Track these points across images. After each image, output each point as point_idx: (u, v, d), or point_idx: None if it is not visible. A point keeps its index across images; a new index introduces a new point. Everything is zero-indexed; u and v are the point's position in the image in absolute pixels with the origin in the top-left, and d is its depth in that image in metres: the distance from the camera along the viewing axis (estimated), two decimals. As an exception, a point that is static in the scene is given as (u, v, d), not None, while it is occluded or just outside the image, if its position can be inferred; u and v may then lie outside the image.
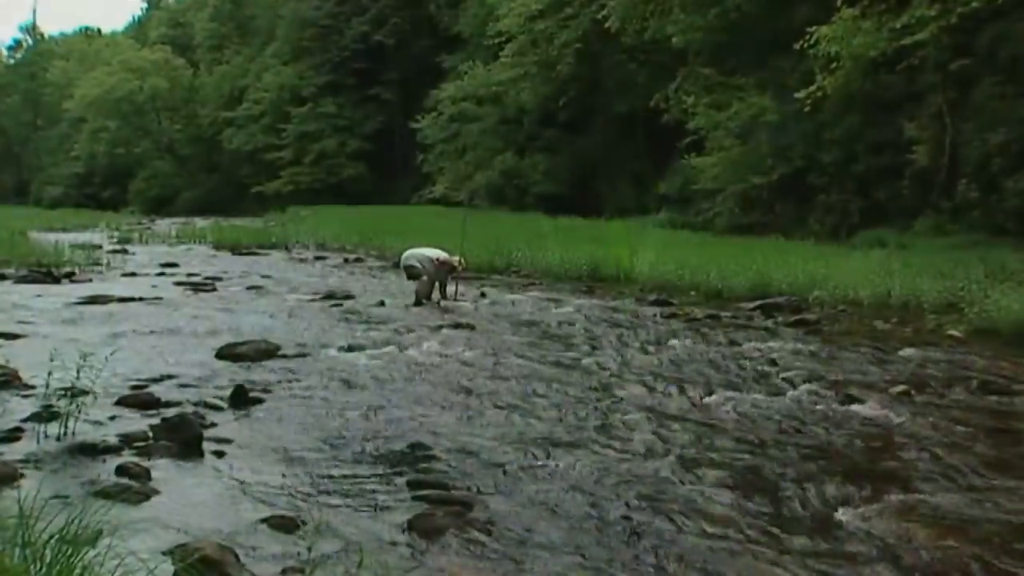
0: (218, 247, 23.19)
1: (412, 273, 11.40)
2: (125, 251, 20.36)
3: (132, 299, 11.25)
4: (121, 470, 4.39)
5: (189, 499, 4.12)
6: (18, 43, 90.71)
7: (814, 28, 18.02)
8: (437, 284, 11.41)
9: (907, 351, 8.00)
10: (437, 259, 11.17)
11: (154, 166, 68.09)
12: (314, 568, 3.29)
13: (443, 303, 11.23)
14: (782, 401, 6.11)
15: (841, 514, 4.02)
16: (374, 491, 4.28)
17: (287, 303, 11.41)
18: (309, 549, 3.30)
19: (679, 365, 7.39)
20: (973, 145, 17.10)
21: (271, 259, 19.73)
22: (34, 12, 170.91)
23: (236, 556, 3.42)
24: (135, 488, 4.14)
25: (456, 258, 11.42)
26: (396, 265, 17.59)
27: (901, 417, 5.66)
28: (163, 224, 34.60)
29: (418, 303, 11.10)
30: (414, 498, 4.17)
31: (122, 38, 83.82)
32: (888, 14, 17.21)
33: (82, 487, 4.16)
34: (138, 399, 5.81)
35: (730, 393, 6.28)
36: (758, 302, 11.31)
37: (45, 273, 14.01)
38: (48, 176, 75.25)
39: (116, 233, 27.70)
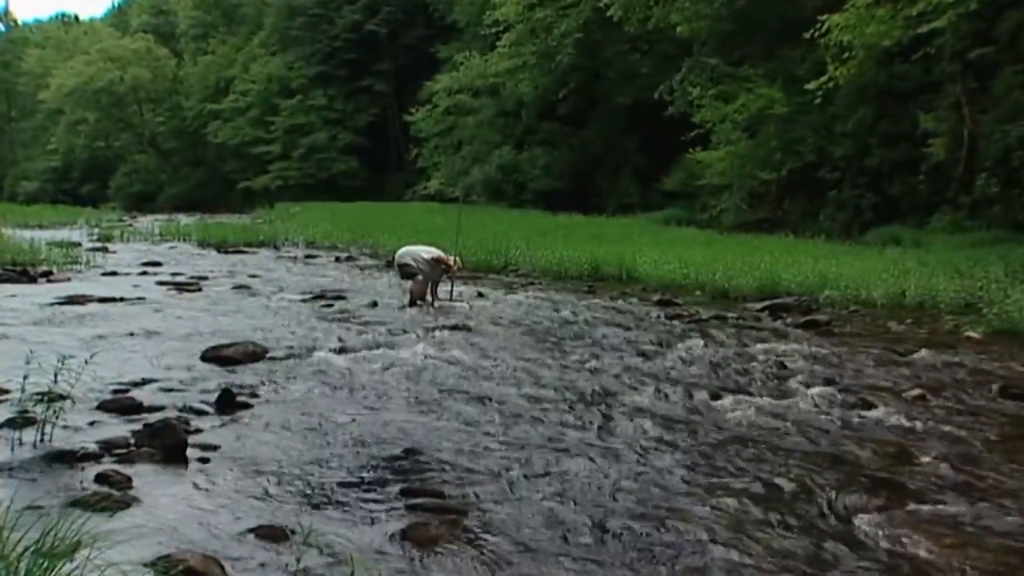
0: (203, 245, 23.17)
1: (406, 272, 11.39)
2: (105, 249, 20.32)
3: (113, 299, 11.23)
4: (101, 478, 4.37)
5: (173, 508, 4.11)
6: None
7: (825, 16, 18.05)
8: (432, 284, 11.42)
9: (923, 353, 8.00)
10: (432, 257, 11.17)
11: (136, 160, 68.12)
12: (303, 580, 3.28)
13: (438, 304, 11.22)
14: (791, 406, 6.11)
15: (854, 524, 4.02)
16: (366, 499, 4.27)
17: (276, 303, 11.40)
18: (298, 560, 3.29)
19: (684, 368, 7.39)
20: (993, 137, 17.12)
21: (259, 258, 19.71)
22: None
23: (222, 568, 3.41)
24: (116, 497, 4.12)
25: (452, 257, 11.42)
26: (389, 264, 17.64)
27: (916, 423, 5.66)
28: (145, 221, 34.56)
29: (412, 304, 11.10)
30: (407, 507, 4.16)
31: (101, 25, 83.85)
32: (903, 1, 17.23)
33: (59, 496, 4.14)
34: (119, 404, 5.79)
35: (737, 397, 6.28)
36: (766, 302, 11.33)
37: (20, 272, 13.98)
38: (23, 170, 75.14)
39: (96, 230, 27.66)
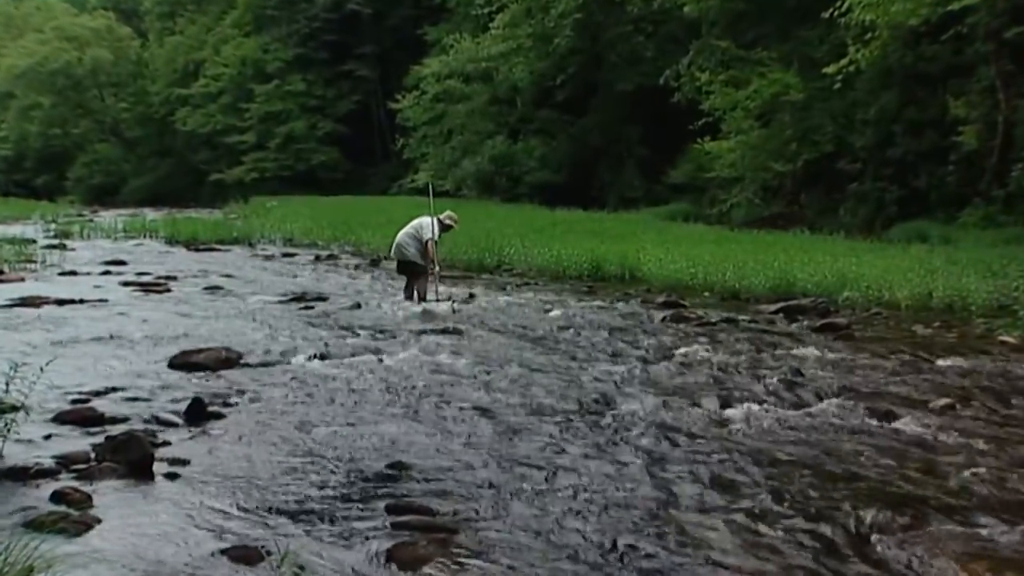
0: (171, 242, 23.18)
1: (410, 270, 11.57)
2: (63, 247, 20.28)
3: (72, 301, 11.22)
4: (57, 497, 4.36)
5: (137, 529, 4.10)
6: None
7: (846, -7, 18.03)
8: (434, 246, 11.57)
9: (951, 360, 8.02)
10: (429, 239, 11.32)
11: (96, 150, 67.89)
12: (279, 606, 3.27)
13: (426, 305, 11.27)
14: (808, 416, 6.12)
15: (876, 545, 4.01)
16: (348, 517, 4.26)
17: (251, 306, 11.41)
18: (274, 584, 3.29)
19: (691, 375, 7.39)
20: (1031, 125, 17.10)
21: (232, 256, 19.71)
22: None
23: (190, 593, 3.40)
24: (74, 517, 4.11)
25: (447, 213, 11.72)
26: (374, 263, 17.69)
27: (945, 435, 5.67)
28: (108, 216, 34.49)
29: (423, 299, 11.43)
30: (393, 524, 4.15)
31: (56, 1, 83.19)
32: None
33: (11, 517, 4.12)
34: (79, 415, 5.78)
35: (749, 407, 6.28)
36: (780, 304, 11.36)
37: (-31, 271, 13.97)
38: (-31, 160, 74.71)
39: (52, 226, 27.62)
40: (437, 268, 11.64)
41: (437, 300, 11.50)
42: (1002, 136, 17.78)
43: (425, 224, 11.44)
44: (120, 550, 3.83)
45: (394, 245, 11.77)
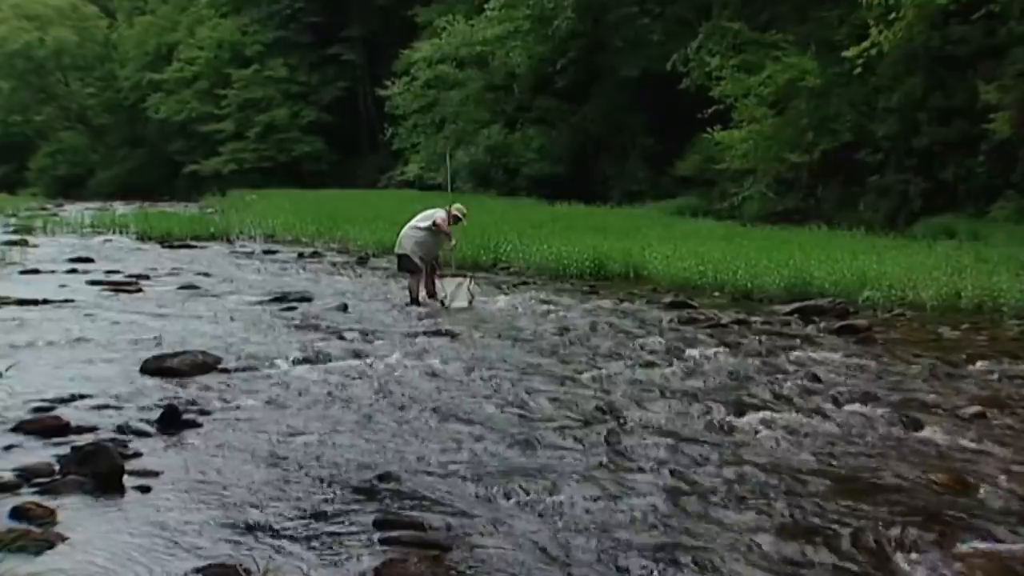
0: (143, 238, 23.17)
1: (405, 266, 11.62)
2: (25, 243, 20.27)
3: (35, 301, 11.20)
4: (18, 512, 4.34)
5: (105, 546, 4.08)
6: None
7: (869, -30, 18.03)
8: (435, 261, 11.64)
9: (981, 364, 8.03)
10: (433, 223, 11.41)
11: (61, 139, 67.68)
12: (259, 628, 3.27)
13: (422, 301, 11.32)
14: (826, 424, 6.12)
15: (900, 563, 4.01)
16: (333, 532, 4.26)
17: (229, 307, 11.40)
18: (253, 605, 3.28)
19: (700, 380, 7.40)
20: (1070, 111, 17.06)
21: (209, 253, 19.69)
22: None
23: (163, 614, 3.39)
24: (36, 534, 4.09)
25: (456, 206, 11.74)
26: (362, 261, 17.70)
27: (975, 445, 5.67)
28: (74, 210, 34.41)
29: (414, 301, 11.41)
30: (382, 540, 4.15)
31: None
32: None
33: (-32, 534, 4.11)
34: (42, 424, 5.76)
35: (763, 414, 6.28)
36: (796, 305, 11.37)
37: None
38: (-80, 149, 74.42)
39: (13, 221, 27.59)
40: (454, 243, 11.79)
41: (435, 298, 11.54)
42: (1037, 124, 17.75)
43: (429, 213, 11.55)
44: (86, 569, 3.82)
45: (399, 236, 11.87)
